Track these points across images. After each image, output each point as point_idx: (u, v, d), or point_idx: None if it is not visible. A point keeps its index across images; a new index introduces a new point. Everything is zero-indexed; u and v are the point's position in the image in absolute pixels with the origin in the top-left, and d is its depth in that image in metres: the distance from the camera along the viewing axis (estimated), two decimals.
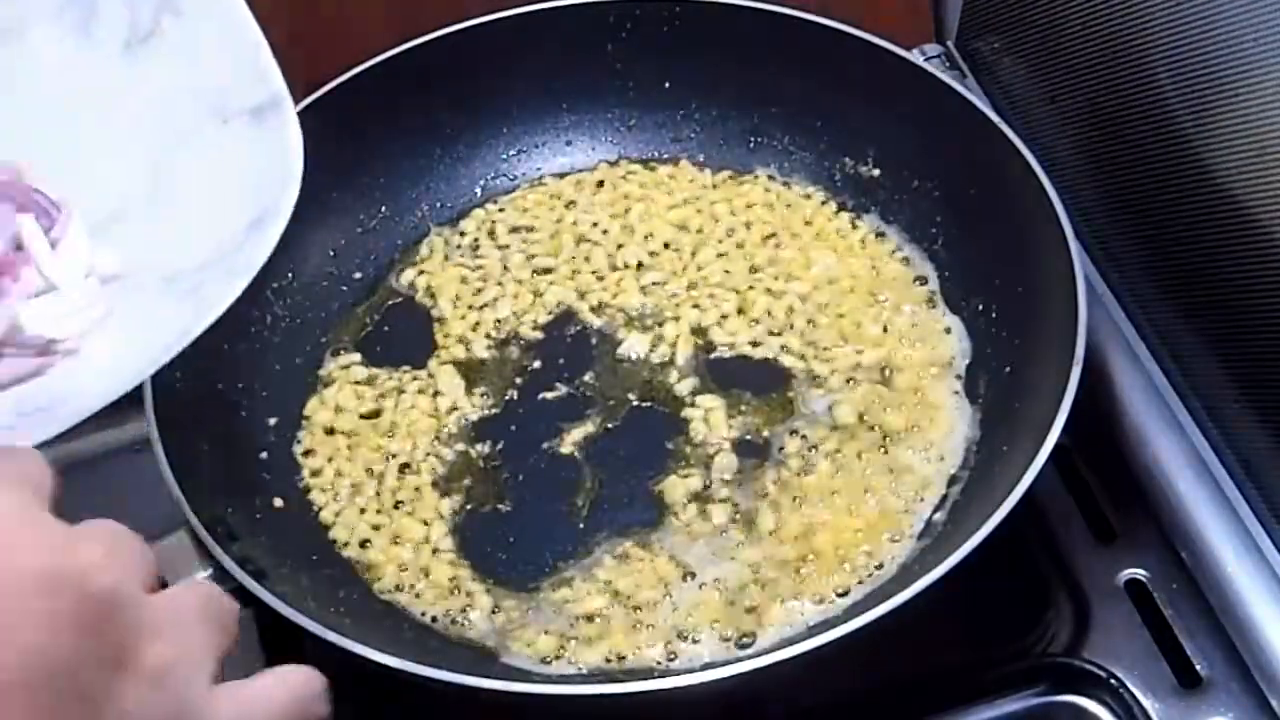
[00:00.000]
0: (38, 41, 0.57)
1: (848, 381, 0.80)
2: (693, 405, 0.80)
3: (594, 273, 0.87)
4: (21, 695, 0.34)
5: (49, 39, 0.57)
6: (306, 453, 0.79)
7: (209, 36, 0.60)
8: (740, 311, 0.84)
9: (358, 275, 0.87)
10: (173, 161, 0.59)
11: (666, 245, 0.88)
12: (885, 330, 0.82)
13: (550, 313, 0.85)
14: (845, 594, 0.71)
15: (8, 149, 0.55)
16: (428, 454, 0.78)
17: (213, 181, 0.58)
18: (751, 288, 0.85)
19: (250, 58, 0.59)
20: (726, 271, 0.86)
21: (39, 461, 0.43)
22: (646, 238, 0.88)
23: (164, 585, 0.42)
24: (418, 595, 0.73)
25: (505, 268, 0.87)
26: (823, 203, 0.89)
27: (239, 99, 0.58)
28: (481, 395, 0.81)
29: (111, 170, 0.59)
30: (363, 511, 0.76)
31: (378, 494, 0.77)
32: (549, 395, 0.81)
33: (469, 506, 0.76)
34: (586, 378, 0.82)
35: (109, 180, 0.58)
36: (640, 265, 0.87)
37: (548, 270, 0.87)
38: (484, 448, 0.79)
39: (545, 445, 0.79)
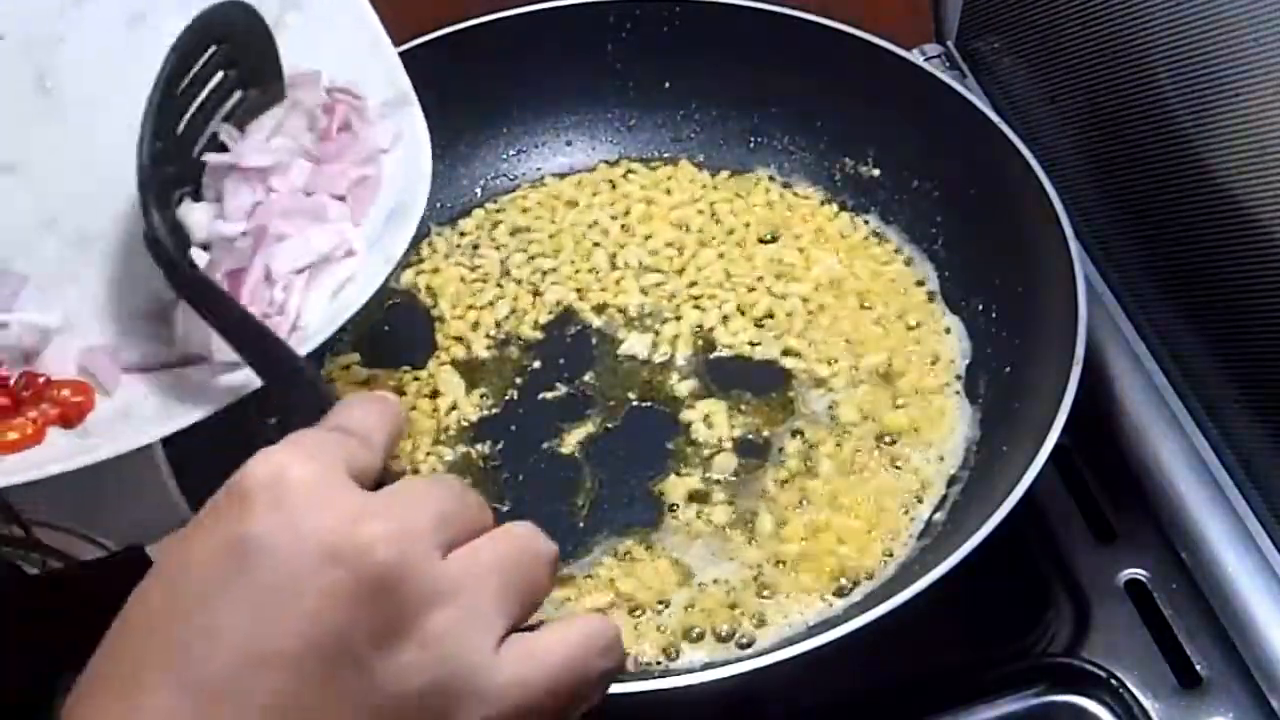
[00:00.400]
0: (164, 30, 0.57)
1: (848, 382, 0.80)
2: (692, 406, 0.80)
3: (594, 272, 0.87)
4: (294, 662, 0.35)
5: (176, 27, 0.57)
6: None
7: (331, 31, 0.60)
8: (740, 311, 0.84)
9: None
10: None
11: (667, 245, 0.88)
12: (885, 331, 0.82)
13: (550, 313, 0.85)
14: (845, 594, 0.71)
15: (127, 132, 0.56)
16: (428, 454, 0.78)
17: None
18: (752, 288, 0.85)
19: (375, 54, 0.60)
20: (727, 272, 0.86)
21: (369, 415, 0.44)
22: (647, 238, 0.88)
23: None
24: None
25: (505, 268, 0.87)
26: (823, 203, 0.89)
27: (367, 95, 0.59)
28: (481, 395, 0.81)
29: None
30: None
31: None
32: (549, 395, 0.81)
33: None
34: (586, 378, 0.82)
35: None
36: (640, 265, 0.87)
37: (548, 270, 0.87)
38: (484, 448, 0.79)
39: (545, 445, 0.79)
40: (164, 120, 0.55)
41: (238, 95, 0.59)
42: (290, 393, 0.51)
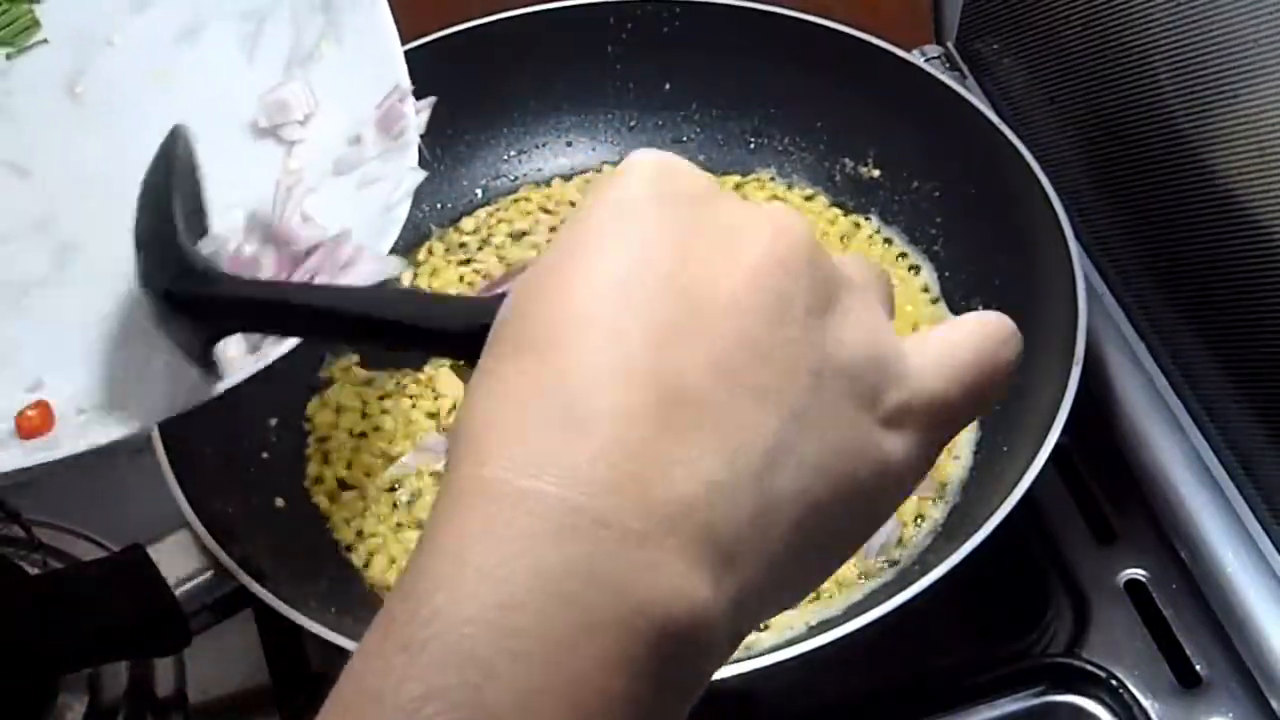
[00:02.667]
0: (210, 47, 0.59)
1: None
2: None
3: None
4: (745, 310, 0.33)
5: (221, 47, 0.59)
6: (307, 453, 0.79)
7: (361, 69, 0.61)
8: None
9: None
10: None
11: None
12: None
13: None
14: (845, 594, 0.71)
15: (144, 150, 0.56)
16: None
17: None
18: None
19: (391, 91, 0.61)
20: None
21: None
22: None
23: None
24: None
25: (506, 268, 0.88)
26: (824, 203, 0.89)
27: (373, 122, 0.60)
28: None
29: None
30: (363, 512, 0.76)
31: (377, 494, 0.77)
32: None
33: None
34: None
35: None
36: None
37: None
38: None
39: None
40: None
41: None
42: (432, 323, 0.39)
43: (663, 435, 0.31)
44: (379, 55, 0.62)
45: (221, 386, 0.51)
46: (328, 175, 0.59)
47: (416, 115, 0.60)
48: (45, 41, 0.63)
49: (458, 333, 0.36)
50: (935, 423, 0.36)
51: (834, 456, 0.33)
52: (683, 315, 0.33)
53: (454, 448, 0.32)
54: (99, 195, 0.59)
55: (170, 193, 0.48)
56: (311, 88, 0.61)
